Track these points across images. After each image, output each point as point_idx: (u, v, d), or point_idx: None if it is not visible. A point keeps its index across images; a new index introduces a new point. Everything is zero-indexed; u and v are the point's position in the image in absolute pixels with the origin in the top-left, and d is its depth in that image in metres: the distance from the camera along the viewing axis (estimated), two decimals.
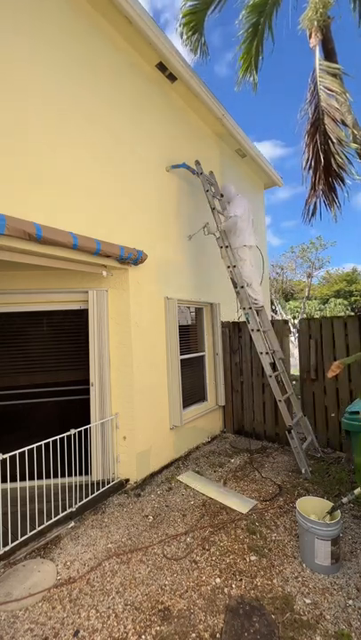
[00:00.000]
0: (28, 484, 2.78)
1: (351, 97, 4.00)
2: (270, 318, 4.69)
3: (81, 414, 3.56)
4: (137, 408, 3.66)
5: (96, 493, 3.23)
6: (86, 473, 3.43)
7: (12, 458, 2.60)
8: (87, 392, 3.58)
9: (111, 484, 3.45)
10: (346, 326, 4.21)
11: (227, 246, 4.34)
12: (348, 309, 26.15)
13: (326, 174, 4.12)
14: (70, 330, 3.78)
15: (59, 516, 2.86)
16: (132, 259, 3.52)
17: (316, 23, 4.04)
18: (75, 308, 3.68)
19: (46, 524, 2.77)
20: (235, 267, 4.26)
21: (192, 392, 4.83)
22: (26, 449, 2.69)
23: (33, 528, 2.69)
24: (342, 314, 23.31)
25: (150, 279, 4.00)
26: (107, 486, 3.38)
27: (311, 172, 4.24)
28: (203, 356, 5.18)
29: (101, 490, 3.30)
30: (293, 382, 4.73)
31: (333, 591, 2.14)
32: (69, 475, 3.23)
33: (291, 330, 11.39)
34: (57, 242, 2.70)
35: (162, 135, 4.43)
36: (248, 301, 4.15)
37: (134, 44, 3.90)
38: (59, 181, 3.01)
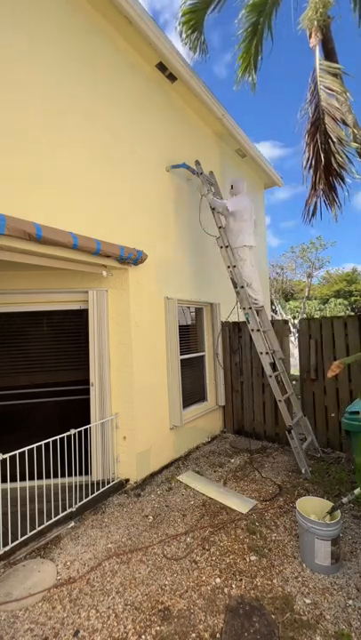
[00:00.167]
0: (28, 483, 2.78)
1: (351, 96, 4.00)
2: (270, 318, 4.69)
3: (81, 414, 3.56)
4: (137, 408, 3.66)
5: (96, 493, 3.23)
6: (86, 473, 3.43)
7: (12, 458, 2.60)
8: (87, 392, 3.58)
9: (111, 484, 3.45)
10: (346, 326, 4.20)
11: (227, 246, 4.33)
12: (348, 309, 26.14)
13: (327, 173, 4.12)
14: (70, 330, 3.78)
15: (59, 516, 2.86)
16: (132, 259, 3.52)
17: (316, 23, 4.04)
18: (75, 308, 3.68)
19: (46, 524, 2.77)
20: (235, 267, 4.26)
21: (192, 392, 4.83)
22: (26, 449, 2.69)
23: (33, 528, 2.69)
24: (342, 314, 23.31)
25: (150, 279, 4.00)
26: (107, 486, 3.38)
27: (311, 171, 4.24)
28: (203, 356, 5.18)
29: (101, 490, 3.30)
30: (293, 382, 4.73)
31: (333, 591, 2.14)
32: (69, 475, 3.23)
33: (291, 330, 11.39)
34: (57, 242, 2.70)
35: (162, 135, 4.43)
36: (248, 301, 4.15)
37: (134, 44, 3.90)
38: (58, 181, 3.01)
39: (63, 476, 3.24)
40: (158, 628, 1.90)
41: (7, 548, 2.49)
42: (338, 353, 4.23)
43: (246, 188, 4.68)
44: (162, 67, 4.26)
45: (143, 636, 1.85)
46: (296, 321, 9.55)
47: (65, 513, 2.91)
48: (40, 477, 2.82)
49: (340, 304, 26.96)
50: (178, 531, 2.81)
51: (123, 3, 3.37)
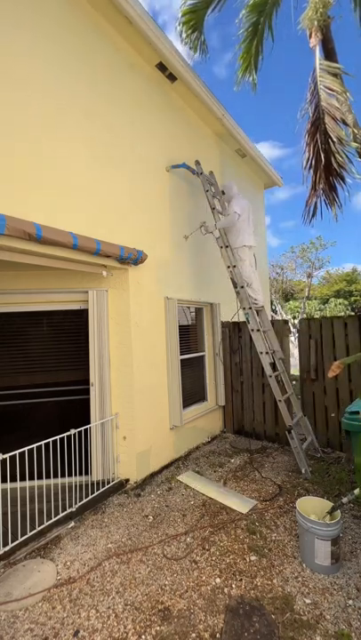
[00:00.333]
0: (28, 484, 2.78)
1: (351, 96, 4.00)
2: (270, 318, 4.69)
3: (81, 414, 3.56)
4: (137, 408, 3.66)
5: (96, 493, 3.23)
6: (86, 473, 3.43)
7: (12, 458, 2.60)
8: (87, 392, 3.58)
9: (111, 484, 3.45)
10: (346, 326, 4.20)
11: (227, 246, 4.34)
12: (348, 309, 26.13)
13: (327, 173, 4.11)
14: (70, 330, 3.78)
15: (59, 516, 2.86)
16: (132, 259, 3.52)
17: (316, 23, 4.03)
18: (75, 308, 3.68)
19: (46, 524, 2.77)
20: (235, 267, 4.26)
21: (192, 392, 4.83)
22: (26, 449, 2.69)
23: (33, 528, 2.69)
24: (342, 314, 23.30)
25: (150, 279, 4.00)
26: (107, 486, 3.38)
27: (312, 171, 4.23)
28: (203, 356, 5.18)
29: (101, 490, 3.30)
30: (293, 382, 4.73)
31: (333, 591, 2.14)
32: (69, 475, 3.23)
33: (291, 330, 11.39)
34: (57, 242, 2.70)
35: (162, 135, 4.43)
36: (248, 301, 4.15)
37: (134, 44, 3.90)
38: (58, 181, 3.01)
39: (63, 476, 3.24)
40: (158, 628, 1.90)
41: (7, 548, 2.49)
42: (338, 353, 4.23)
43: (238, 189, 4.66)
44: (162, 67, 4.26)
45: (143, 636, 1.86)
46: (296, 321, 9.55)
47: (65, 513, 2.91)
48: (40, 477, 2.82)
49: (340, 304, 26.95)
50: (178, 531, 2.81)
51: (123, 3, 3.37)
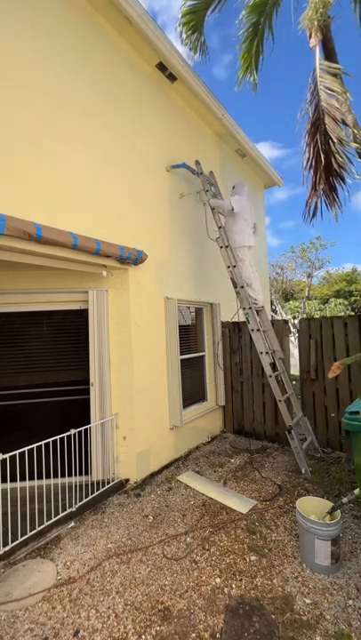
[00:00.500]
0: (28, 484, 2.78)
1: (351, 96, 4.00)
2: (270, 318, 4.69)
3: (81, 414, 3.56)
4: (137, 408, 3.66)
5: (96, 493, 3.23)
6: (86, 473, 3.43)
7: (12, 458, 2.60)
8: (87, 392, 3.58)
9: (111, 484, 3.45)
10: (346, 326, 4.21)
11: (227, 246, 4.34)
12: (348, 309, 26.14)
13: (327, 173, 4.11)
14: (70, 330, 3.78)
15: (59, 516, 2.86)
16: (132, 259, 3.52)
17: (316, 23, 4.03)
18: (75, 308, 3.68)
19: (46, 524, 2.77)
20: (235, 267, 4.26)
21: (192, 392, 4.83)
22: (26, 449, 2.69)
23: (33, 528, 2.69)
24: (342, 314, 23.30)
25: (150, 279, 4.00)
26: (107, 486, 3.38)
27: (312, 171, 4.23)
28: (203, 356, 5.18)
29: (101, 490, 3.30)
30: (293, 382, 4.73)
31: (333, 591, 2.14)
32: (69, 475, 3.23)
33: (291, 330, 11.39)
34: (57, 242, 2.70)
35: (162, 135, 4.43)
36: (248, 301, 4.15)
37: (134, 44, 3.90)
38: (58, 182, 3.01)
39: (63, 476, 3.24)
40: (158, 628, 1.90)
41: (7, 548, 2.49)
42: (338, 353, 4.23)
43: (247, 192, 4.67)
44: (162, 67, 4.26)
45: (143, 636, 1.86)
46: (296, 321, 9.55)
47: (65, 513, 2.91)
48: (40, 477, 2.82)
49: (340, 304, 26.96)
50: (178, 531, 2.81)
51: (123, 3, 3.38)
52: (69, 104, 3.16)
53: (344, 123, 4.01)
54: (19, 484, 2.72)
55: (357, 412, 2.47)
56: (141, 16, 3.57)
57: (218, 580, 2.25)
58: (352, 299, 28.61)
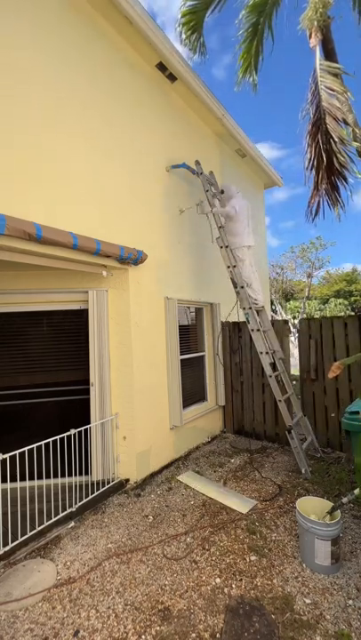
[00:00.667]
0: (28, 484, 2.78)
1: (352, 96, 4.00)
2: (270, 318, 4.69)
3: (81, 414, 3.56)
4: (137, 408, 3.66)
5: (96, 493, 3.23)
6: (86, 473, 3.43)
7: (12, 458, 2.60)
8: (87, 392, 3.58)
9: (111, 484, 3.45)
10: (346, 326, 4.20)
11: (227, 246, 4.34)
12: (348, 309, 26.14)
13: (329, 173, 4.11)
14: (70, 330, 3.78)
15: (59, 516, 2.86)
16: (132, 259, 3.52)
17: (316, 23, 4.04)
18: (75, 308, 3.68)
19: (46, 524, 2.77)
20: (235, 267, 4.26)
21: (192, 392, 4.83)
22: (26, 449, 2.69)
23: (33, 528, 2.69)
24: (342, 314, 23.30)
25: (150, 279, 4.00)
26: (107, 486, 3.38)
27: (314, 171, 4.24)
28: (203, 356, 5.18)
29: (101, 490, 3.30)
30: (293, 382, 4.73)
31: (333, 591, 2.14)
32: (69, 475, 3.23)
33: (291, 330, 11.39)
34: (57, 242, 2.70)
35: (162, 135, 4.43)
36: (248, 301, 4.15)
37: (134, 44, 3.90)
38: (58, 175, 3.01)
39: (63, 476, 3.24)
40: (158, 628, 1.90)
41: (7, 548, 2.49)
42: (338, 353, 4.23)
43: (237, 190, 4.66)
44: (162, 67, 4.26)
45: (143, 636, 1.85)
46: (296, 321, 9.55)
47: (65, 513, 2.91)
48: (40, 477, 2.82)
49: (340, 304, 26.96)
50: (178, 531, 2.81)
51: (123, 3, 3.38)
52: (69, 99, 3.15)
53: (345, 122, 4.02)
54: (19, 484, 2.72)
55: (357, 412, 2.47)
56: (141, 16, 3.57)
57: (218, 579, 2.25)
58: (352, 299, 28.61)
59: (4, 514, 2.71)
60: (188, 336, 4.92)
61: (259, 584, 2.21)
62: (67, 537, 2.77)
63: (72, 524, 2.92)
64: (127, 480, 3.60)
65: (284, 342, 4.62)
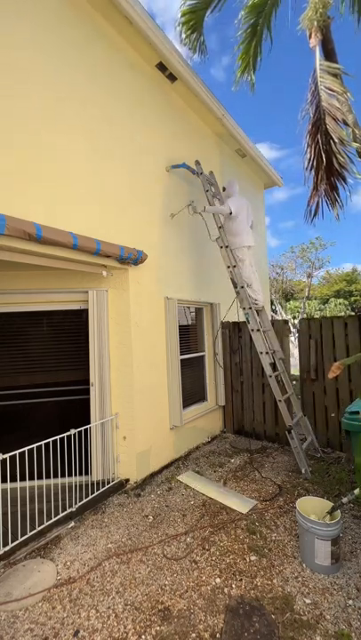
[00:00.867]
0: (28, 484, 2.78)
1: (352, 96, 4.00)
2: (270, 318, 4.69)
3: (81, 414, 3.56)
4: (137, 408, 3.66)
5: (96, 493, 3.23)
6: (86, 473, 3.43)
7: (12, 458, 2.60)
8: (87, 392, 3.58)
9: (111, 484, 3.45)
10: (346, 326, 4.21)
11: (227, 246, 4.34)
12: (348, 309, 26.14)
13: (328, 173, 4.11)
14: (70, 330, 3.78)
15: (59, 516, 2.86)
16: (132, 259, 3.52)
17: (315, 23, 4.03)
18: (75, 308, 3.68)
19: (46, 524, 2.77)
20: (235, 267, 4.26)
21: (192, 392, 4.83)
22: (26, 449, 2.69)
23: (33, 528, 2.69)
24: (342, 314, 23.30)
25: (150, 279, 4.00)
26: (107, 486, 3.38)
27: (313, 171, 4.23)
28: (203, 356, 5.18)
29: (101, 490, 3.30)
30: (293, 382, 4.73)
31: (333, 591, 2.14)
32: (69, 475, 3.23)
33: (291, 330, 11.39)
34: (57, 242, 2.70)
35: (162, 135, 4.43)
36: (248, 301, 4.15)
37: (134, 44, 3.90)
38: (58, 174, 3.01)
39: (63, 476, 3.24)
40: (158, 628, 1.90)
41: (7, 548, 2.49)
42: (338, 353, 4.23)
43: (239, 189, 4.66)
44: (162, 67, 4.26)
45: (143, 636, 1.85)
46: (296, 321, 9.55)
47: (65, 513, 2.91)
48: (40, 477, 2.82)
49: (340, 304, 26.96)
50: (178, 531, 2.81)
51: (123, 3, 3.38)
52: (69, 99, 3.15)
53: (345, 122, 4.01)
54: (19, 484, 2.72)
55: (357, 412, 2.47)
56: (141, 16, 3.57)
57: (218, 579, 2.25)
58: (352, 299, 28.62)
59: (4, 514, 2.71)
60: (188, 336, 4.92)
61: (259, 584, 2.21)
62: (67, 537, 2.77)
63: (72, 523, 2.92)
64: (127, 480, 3.60)
65: (284, 342, 4.62)
